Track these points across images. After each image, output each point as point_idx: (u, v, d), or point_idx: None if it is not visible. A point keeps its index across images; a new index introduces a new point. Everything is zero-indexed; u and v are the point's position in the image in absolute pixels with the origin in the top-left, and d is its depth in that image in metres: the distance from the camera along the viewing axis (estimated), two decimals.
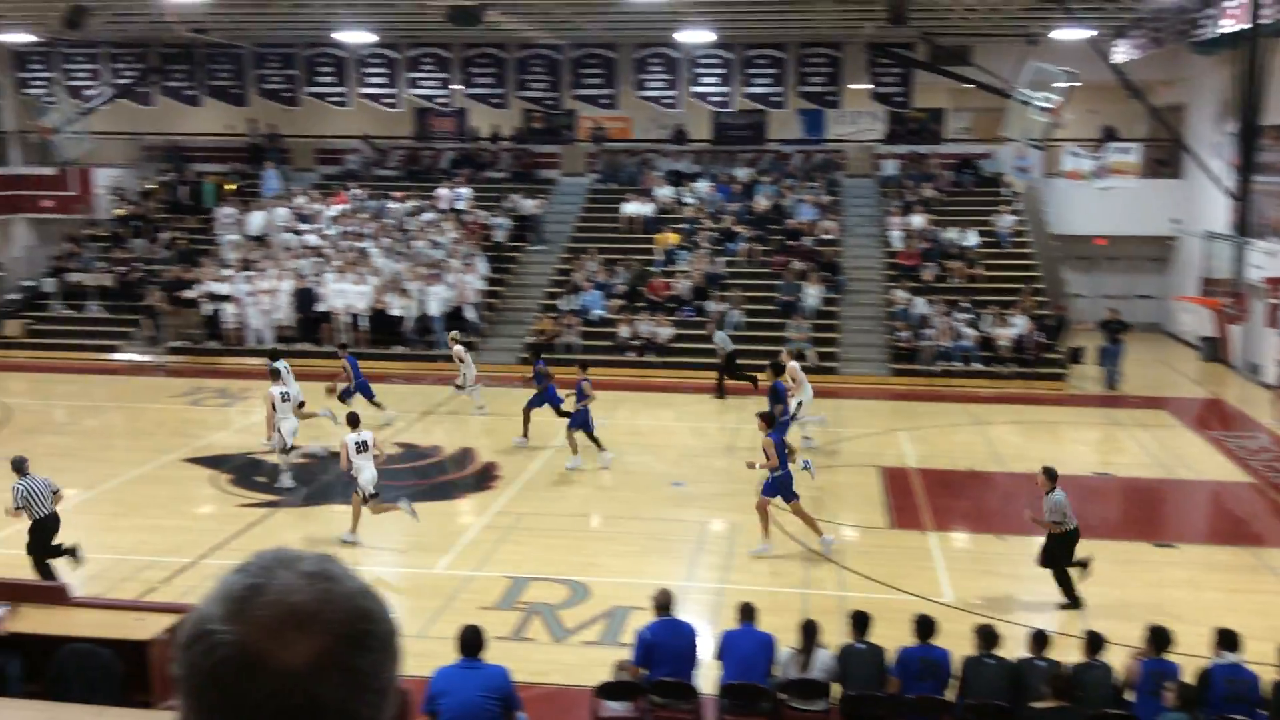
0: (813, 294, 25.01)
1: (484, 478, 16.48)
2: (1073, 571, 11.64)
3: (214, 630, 1.26)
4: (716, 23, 25.75)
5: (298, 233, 27.73)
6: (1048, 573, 11.71)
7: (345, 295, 24.81)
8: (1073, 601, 11.51)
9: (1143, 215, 27.88)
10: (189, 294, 25.55)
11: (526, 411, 17.67)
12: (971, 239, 26.46)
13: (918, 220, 26.90)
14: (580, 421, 16.59)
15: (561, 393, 17.41)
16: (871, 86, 28.78)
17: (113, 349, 25.34)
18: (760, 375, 19.44)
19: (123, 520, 14.24)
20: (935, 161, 29.46)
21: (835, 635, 9.37)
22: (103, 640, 7.98)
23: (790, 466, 13.12)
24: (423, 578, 12.55)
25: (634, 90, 29.58)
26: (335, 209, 28.65)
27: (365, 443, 13.12)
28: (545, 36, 28.33)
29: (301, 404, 16.57)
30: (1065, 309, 25.49)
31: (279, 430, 15.28)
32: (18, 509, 11.42)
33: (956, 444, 18.64)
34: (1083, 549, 11.70)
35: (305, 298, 24.98)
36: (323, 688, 1.27)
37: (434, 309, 24.61)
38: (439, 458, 17.59)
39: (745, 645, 8.88)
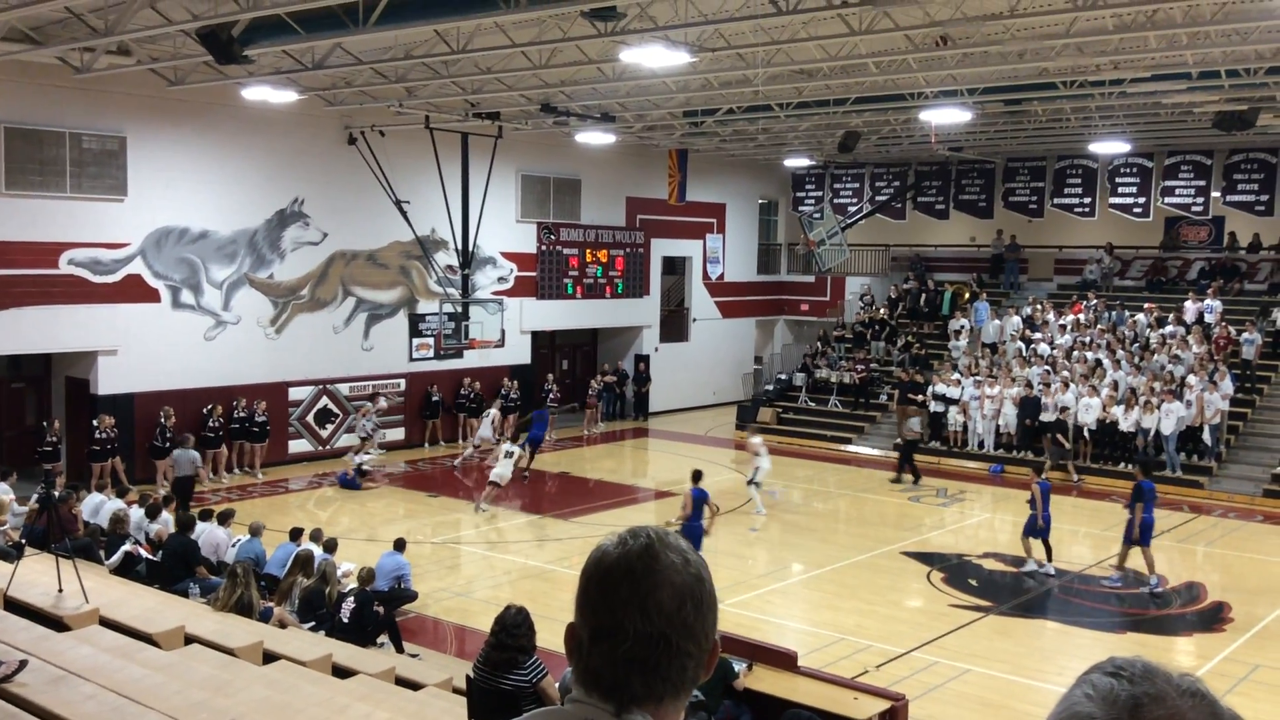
0: None
1: (1212, 618, 15.01)
2: None
3: None
4: None
5: (1029, 342, 27.86)
6: None
7: (1072, 406, 24.29)
8: None
9: None
10: (919, 396, 26.91)
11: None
12: None
13: None
14: None
15: None
16: None
17: (847, 440, 27.62)
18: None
19: (843, 602, 15.41)
20: None
21: None
22: (821, 711, 8.77)
23: None
24: None
25: None
26: (1068, 319, 28.33)
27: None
28: None
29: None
30: None
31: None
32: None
33: None
34: None
35: (1029, 406, 24.92)
36: None
37: (1167, 427, 23.05)
38: (1161, 589, 16.41)
39: None
